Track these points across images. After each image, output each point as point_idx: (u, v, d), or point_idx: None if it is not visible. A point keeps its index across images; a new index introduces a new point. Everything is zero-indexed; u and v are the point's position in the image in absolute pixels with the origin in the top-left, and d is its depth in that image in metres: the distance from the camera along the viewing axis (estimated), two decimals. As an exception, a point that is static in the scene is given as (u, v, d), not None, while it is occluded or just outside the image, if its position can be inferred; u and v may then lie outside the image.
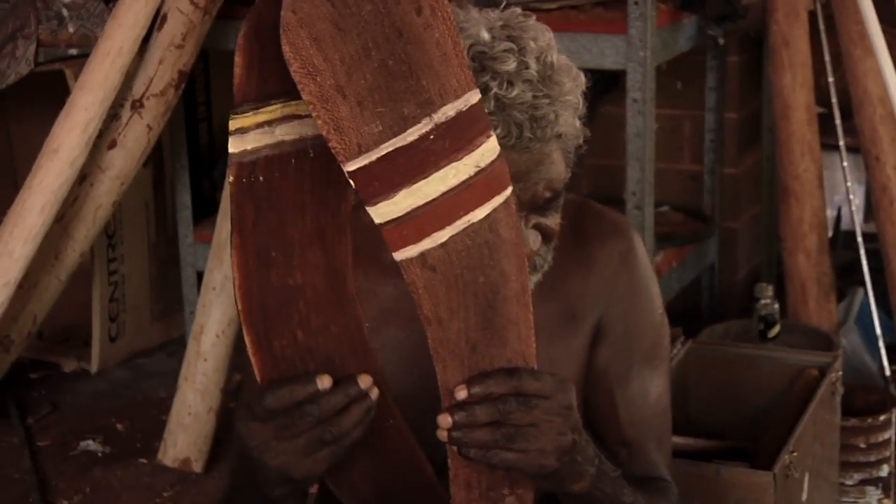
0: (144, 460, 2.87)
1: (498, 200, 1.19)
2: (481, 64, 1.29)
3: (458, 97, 1.14)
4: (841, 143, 3.06)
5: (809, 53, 3.00)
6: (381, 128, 1.12)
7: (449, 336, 1.21)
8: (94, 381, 3.30)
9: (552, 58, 1.34)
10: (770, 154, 3.34)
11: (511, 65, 1.30)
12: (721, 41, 3.08)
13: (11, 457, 2.90)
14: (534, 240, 1.37)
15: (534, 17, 1.38)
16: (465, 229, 1.18)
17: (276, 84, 1.14)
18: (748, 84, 3.43)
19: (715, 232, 3.40)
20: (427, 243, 1.17)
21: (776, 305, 2.72)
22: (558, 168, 1.36)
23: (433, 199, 1.16)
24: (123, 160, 3.00)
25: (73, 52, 3.19)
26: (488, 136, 1.18)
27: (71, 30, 3.22)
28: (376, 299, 1.44)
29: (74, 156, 2.82)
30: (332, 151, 1.12)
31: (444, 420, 1.22)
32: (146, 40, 2.91)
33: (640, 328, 1.51)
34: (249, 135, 1.15)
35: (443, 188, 1.16)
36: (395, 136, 1.12)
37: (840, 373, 2.40)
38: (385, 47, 1.10)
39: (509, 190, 1.21)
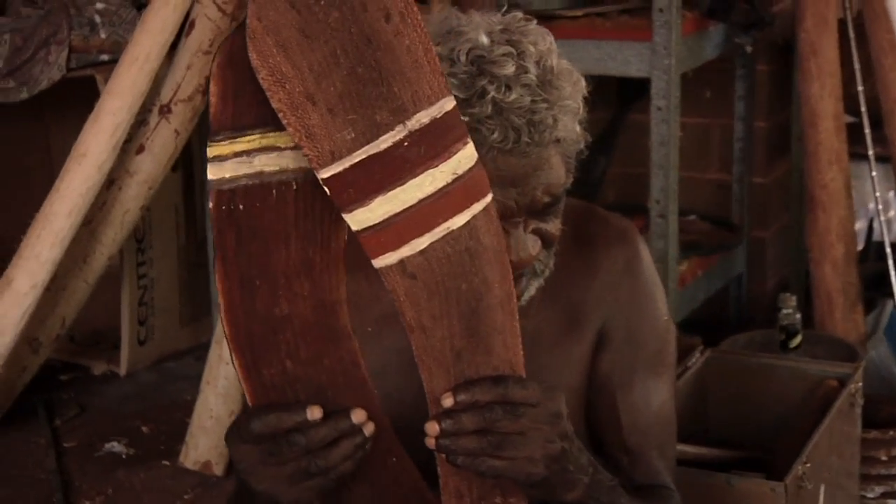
0: (167, 463, 2.89)
1: (477, 208, 1.19)
2: (479, 68, 1.29)
3: (431, 104, 1.14)
4: (870, 152, 3.02)
5: (838, 62, 2.97)
6: (353, 135, 1.12)
7: (433, 344, 1.21)
8: (123, 384, 3.33)
9: (552, 62, 1.33)
10: (799, 164, 3.30)
11: (509, 69, 1.29)
12: (748, 49, 3.06)
13: (38, 457, 2.92)
14: (532, 244, 1.36)
15: (535, 22, 1.38)
16: (444, 236, 1.18)
17: (252, 114, 1.13)
18: (777, 93, 3.40)
19: (743, 242, 3.37)
20: (406, 250, 1.17)
21: (798, 315, 2.69)
22: (557, 173, 1.35)
23: (410, 207, 1.16)
24: (151, 165, 3.03)
25: (105, 57, 3.23)
26: (465, 144, 1.17)
27: (103, 36, 3.26)
28: (378, 304, 1.44)
29: (102, 160, 2.85)
30: (306, 158, 1.12)
31: (432, 428, 1.21)
32: (174, 46, 2.94)
33: (643, 335, 1.50)
34: (227, 163, 1.14)
35: (420, 195, 1.16)
36: (368, 143, 1.13)
37: (860, 384, 2.37)
38: (354, 54, 1.11)
39: (489, 197, 1.20)
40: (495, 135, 1.28)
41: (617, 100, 3.47)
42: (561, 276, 1.44)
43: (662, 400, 1.52)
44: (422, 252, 1.17)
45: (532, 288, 1.41)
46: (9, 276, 2.85)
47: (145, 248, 3.40)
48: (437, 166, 1.15)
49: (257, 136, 1.13)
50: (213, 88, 1.12)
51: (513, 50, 1.30)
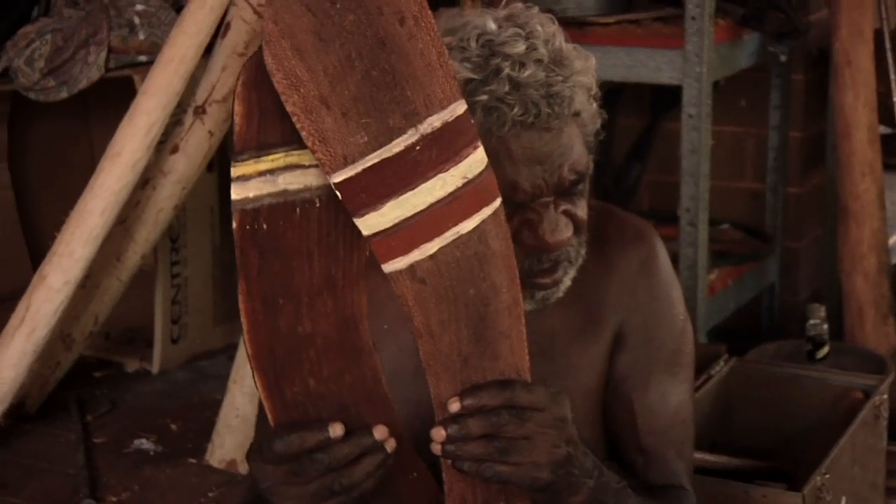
0: (193, 460, 2.91)
1: (486, 212, 1.19)
2: (491, 50, 1.30)
3: (443, 108, 1.15)
4: (905, 164, 3.00)
5: (873, 72, 2.95)
6: (366, 139, 1.12)
7: (440, 349, 1.21)
8: (155, 382, 3.36)
9: (560, 43, 1.34)
10: (834, 174, 3.28)
11: (520, 47, 1.30)
12: (783, 59, 3.04)
13: (67, 452, 2.95)
14: (565, 225, 1.36)
15: (536, 9, 1.38)
16: (453, 241, 1.18)
17: (277, 133, 1.13)
18: (813, 102, 3.38)
19: (775, 252, 3.35)
20: (416, 255, 1.17)
21: (825, 326, 2.67)
22: (580, 150, 1.35)
23: (421, 211, 1.16)
24: (185, 165, 3.06)
25: (143, 58, 3.26)
26: (475, 148, 1.18)
27: (141, 37, 3.29)
28: (394, 304, 1.44)
29: (136, 159, 2.88)
30: (318, 163, 1.13)
31: (438, 433, 1.21)
32: (210, 48, 2.96)
33: (660, 335, 1.50)
34: (251, 182, 1.13)
35: (430, 199, 1.16)
36: (380, 146, 1.13)
37: (885, 396, 2.35)
38: (368, 58, 1.11)
39: (498, 201, 1.21)
40: (516, 109, 1.28)
41: (651, 108, 3.47)
42: (578, 276, 1.44)
43: (680, 401, 1.51)
44: (431, 257, 1.17)
45: (568, 278, 1.41)
46: (43, 273, 2.88)
47: (179, 247, 3.43)
48: (447, 170, 1.16)
49: (281, 154, 1.13)
50: (237, 108, 1.12)
51: (521, 31, 1.32)
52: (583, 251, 1.41)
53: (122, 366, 3.45)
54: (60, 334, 3.08)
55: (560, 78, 1.31)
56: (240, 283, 1.16)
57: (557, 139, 1.32)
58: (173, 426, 3.10)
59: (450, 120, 1.15)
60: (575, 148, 1.34)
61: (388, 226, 1.15)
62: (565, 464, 1.27)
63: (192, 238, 3.47)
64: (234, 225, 1.14)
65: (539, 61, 1.30)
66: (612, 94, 3.48)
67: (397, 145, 1.13)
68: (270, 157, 1.12)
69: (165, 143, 3.01)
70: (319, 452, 1.18)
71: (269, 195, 1.13)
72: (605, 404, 1.50)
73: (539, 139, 1.31)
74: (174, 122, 2.99)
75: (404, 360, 1.40)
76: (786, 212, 3.40)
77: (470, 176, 1.17)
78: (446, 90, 1.15)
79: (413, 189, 1.15)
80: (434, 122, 1.14)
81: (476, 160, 1.17)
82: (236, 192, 1.13)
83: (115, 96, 3.28)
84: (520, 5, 1.38)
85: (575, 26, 2.86)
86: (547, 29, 1.34)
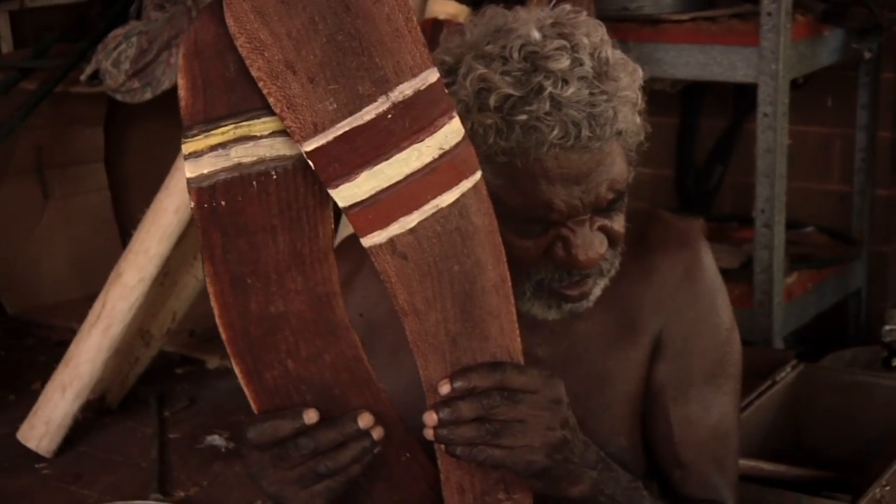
0: (262, 457, 2.89)
1: (466, 185, 1.14)
2: (533, 64, 1.24)
3: (414, 76, 1.10)
4: None
5: (963, 70, 2.80)
6: (335, 105, 1.08)
7: (427, 328, 1.17)
8: (233, 379, 3.30)
9: (606, 53, 1.28)
10: (925, 176, 3.14)
11: (564, 62, 1.24)
12: (867, 56, 2.90)
13: (142, 447, 2.96)
14: (600, 243, 1.30)
15: (584, 14, 1.32)
16: (433, 214, 1.13)
17: (224, 104, 1.09)
18: (903, 102, 3.23)
19: (862, 256, 3.20)
20: (395, 228, 1.13)
21: (903, 332, 2.54)
22: (620, 167, 1.29)
23: (397, 183, 1.11)
24: (261, 164, 3.05)
25: (225, 60, 3.26)
26: (451, 118, 1.13)
27: (223, 39, 3.30)
28: (394, 333, 1.39)
29: (211, 158, 2.87)
30: (288, 131, 1.09)
31: (430, 418, 1.18)
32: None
33: (701, 345, 1.42)
34: (204, 158, 1.09)
35: (406, 170, 1.11)
36: (351, 114, 1.09)
37: (960, 407, 2.22)
38: (333, 21, 1.07)
39: (478, 175, 1.15)
40: (555, 131, 1.23)
41: (734, 109, 3.36)
42: (619, 280, 1.38)
43: (722, 413, 1.43)
44: (411, 231, 1.13)
45: (598, 289, 1.35)
46: (119, 270, 2.90)
47: (259, 247, 3.42)
48: (422, 140, 1.11)
49: (231, 126, 1.09)
50: (180, 81, 1.08)
51: (566, 43, 1.26)
52: (617, 262, 1.36)
53: (203, 363, 3.45)
54: (139, 331, 3.09)
55: (604, 97, 1.25)
56: (205, 265, 1.12)
57: (597, 158, 1.26)
58: (246, 423, 3.09)
59: (422, 88, 1.10)
60: (615, 166, 1.28)
61: (364, 197, 1.11)
62: (561, 447, 1.22)
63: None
64: (192, 205, 1.10)
65: (583, 78, 1.24)
66: (695, 95, 3.39)
67: (368, 113, 1.09)
68: (220, 130, 1.09)
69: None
70: (304, 437, 1.16)
71: (223, 170, 1.09)
72: (643, 414, 1.43)
73: (578, 159, 1.25)
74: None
75: (408, 389, 1.32)
76: (874, 215, 3.25)
77: (447, 147, 1.12)
78: (416, 57, 1.10)
79: (387, 159, 1.10)
80: (405, 89, 1.10)
81: (452, 130, 1.12)
82: (190, 170, 1.09)
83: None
84: (567, 7, 1.32)
85: (649, 24, 2.78)
86: (593, 39, 1.28)
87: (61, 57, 3.44)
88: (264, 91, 1.06)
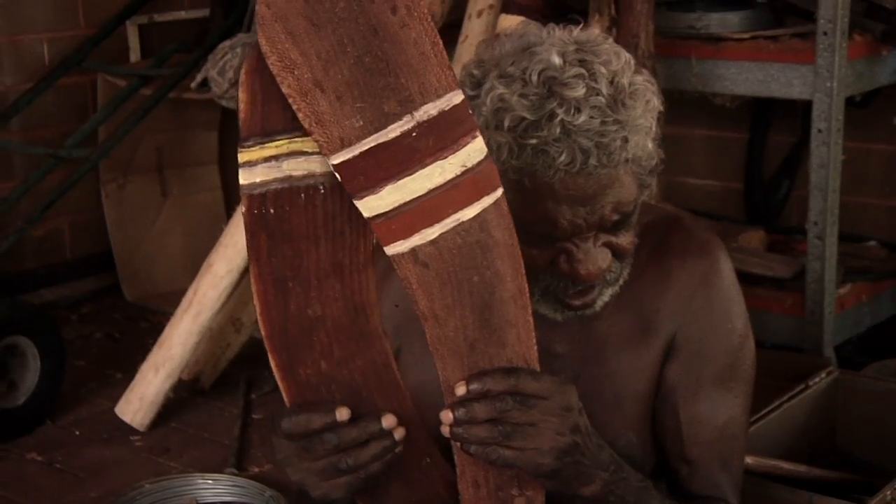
0: (335, 440, 2.98)
1: (487, 201, 1.16)
2: (550, 89, 1.25)
3: (439, 96, 1.12)
4: None
5: None
6: (361, 123, 1.11)
7: (447, 333, 1.19)
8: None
9: (625, 80, 1.28)
10: None
11: (580, 91, 1.25)
12: (927, 76, 2.91)
13: (228, 425, 3.04)
14: (602, 258, 1.32)
15: (611, 40, 1.33)
16: (454, 227, 1.16)
17: (280, 120, 1.12)
18: (970, 121, 3.22)
19: (920, 271, 3.20)
20: (417, 239, 1.16)
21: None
22: (628, 190, 1.30)
23: (419, 196, 1.14)
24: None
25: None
26: (474, 137, 1.14)
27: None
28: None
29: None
30: (317, 145, 1.11)
31: (446, 416, 1.21)
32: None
33: (714, 349, 1.44)
34: (258, 168, 1.13)
35: (429, 185, 1.14)
36: (376, 131, 1.11)
37: None
38: (361, 44, 1.09)
39: (499, 192, 1.17)
40: (563, 157, 1.24)
41: (802, 124, 3.37)
42: (637, 283, 1.40)
43: (731, 415, 1.45)
44: (433, 242, 1.15)
45: (605, 296, 1.37)
46: (210, 261, 3.00)
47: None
48: (445, 158, 1.13)
49: (285, 141, 1.12)
50: (241, 95, 1.11)
51: (584, 71, 1.26)
52: (625, 272, 1.37)
53: (290, 351, 3.55)
54: (230, 318, 3.19)
55: (615, 126, 1.25)
56: (251, 265, 1.16)
57: (603, 183, 1.27)
58: (325, 406, 3.18)
59: (446, 109, 1.13)
60: (623, 189, 1.29)
61: (387, 209, 1.14)
62: (571, 452, 1.23)
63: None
64: (244, 209, 1.14)
65: (596, 107, 1.25)
66: (765, 112, 3.41)
67: (393, 131, 1.12)
68: (274, 143, 1.13)
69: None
70: (329, 433, 1.19)
71: (275, 180, 1.13)
72: (653, 411, 1.45)
73: (584, 183, 1.27)
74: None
75: (434, 390, 1.34)
76: (937, 232, 3.24)
77: (469, 164, 1.14)
78: (441, 79, 1.12)
79: (411, 174, 1.13)
80: (430, 109, 1.12)
81: (475, 149, 1.14)
82: (244, 178, 1.13)
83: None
84: (595, 32, 1.33)
85: (711, 42, 2.82)
86: (613, 67, 1.27)
87: (178, 66, 3.56)
88: (294, 107, 1.09)
